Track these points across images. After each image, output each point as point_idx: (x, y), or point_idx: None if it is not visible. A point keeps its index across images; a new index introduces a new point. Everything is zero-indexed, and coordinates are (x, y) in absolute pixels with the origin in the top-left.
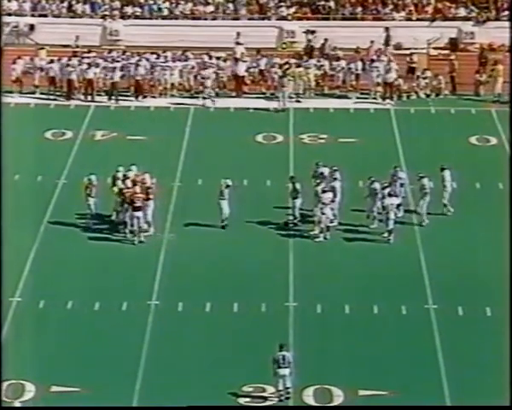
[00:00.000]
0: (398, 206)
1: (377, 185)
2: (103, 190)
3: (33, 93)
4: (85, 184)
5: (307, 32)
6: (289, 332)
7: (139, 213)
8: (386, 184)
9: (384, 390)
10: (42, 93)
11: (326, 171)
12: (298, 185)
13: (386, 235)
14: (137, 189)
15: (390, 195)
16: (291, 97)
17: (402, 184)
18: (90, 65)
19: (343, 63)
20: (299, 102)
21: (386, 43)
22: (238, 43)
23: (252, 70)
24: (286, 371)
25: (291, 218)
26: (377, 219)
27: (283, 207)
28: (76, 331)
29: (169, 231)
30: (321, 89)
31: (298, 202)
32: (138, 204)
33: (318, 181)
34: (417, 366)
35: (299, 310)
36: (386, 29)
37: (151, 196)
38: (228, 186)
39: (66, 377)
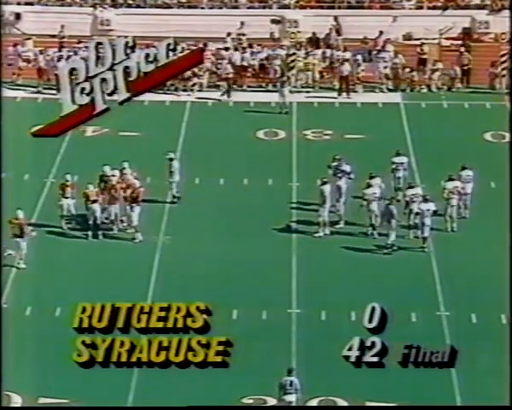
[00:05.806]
0: (435, 212)
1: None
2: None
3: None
4: (60, 184)
5: (273, 21)
6: (292, 341)
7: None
8: (412, 184)
9: (392, 402)
10: (30, 86)
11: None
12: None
13: (423, 245)
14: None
15: (426, 200)
16: (292, 92)
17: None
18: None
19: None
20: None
21: (338, 32)
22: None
23: (252, 62)
24: (293, 398)
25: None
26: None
27: (285, 207)
28: (65, 339)
29: (164, 233)
30: (326, 81)
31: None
32: (93, 198)
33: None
34: (428, 377)
35: (303, 317)
36: (335, 18)
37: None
38: (171, 159)
39: (55, 388)
